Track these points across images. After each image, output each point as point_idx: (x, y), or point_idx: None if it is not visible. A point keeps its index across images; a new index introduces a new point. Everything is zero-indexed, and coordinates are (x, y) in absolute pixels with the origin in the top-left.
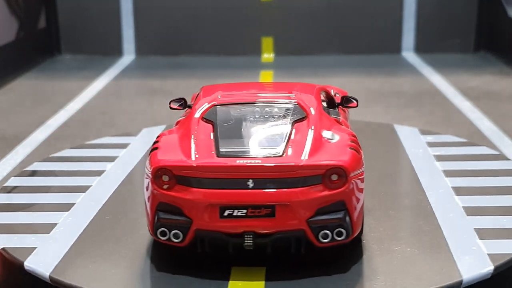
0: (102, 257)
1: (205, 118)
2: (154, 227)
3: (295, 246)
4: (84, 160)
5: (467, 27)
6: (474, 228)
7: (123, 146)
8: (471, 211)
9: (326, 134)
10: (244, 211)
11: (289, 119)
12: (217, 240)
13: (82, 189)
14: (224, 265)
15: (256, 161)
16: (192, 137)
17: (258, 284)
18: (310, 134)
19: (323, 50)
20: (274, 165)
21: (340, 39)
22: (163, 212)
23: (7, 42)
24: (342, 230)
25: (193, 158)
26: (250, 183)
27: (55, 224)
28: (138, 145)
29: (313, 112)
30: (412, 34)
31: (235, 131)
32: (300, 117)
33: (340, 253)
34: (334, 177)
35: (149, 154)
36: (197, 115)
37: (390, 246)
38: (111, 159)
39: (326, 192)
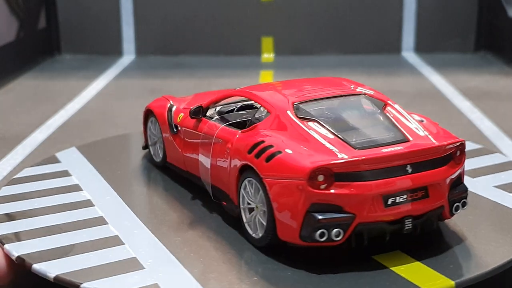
0: (240, 274)
1: (300, 117)
2: (307, 230)
3: (436, 222)
4: (47, 194)
5: (467, 27)
6: (493, 186)
7: (63, 174)
8: (472, 174)
9: (416, 117)
10: (405, 196)
11: (375, 108)
12: (377, 231)
13: (96, 221)
14: (359, 256)
15: (399, 147)
16: (313, 135)
17: (417, 264)
18: (410, 118)
19: (323, 50)
20: (428, 148)
21: (340, 39)
22: (320, 213)
23: (7, 42)
24: (466, 200)
25: (338, 154)
26: (409, 168)
27: (133, 258)
28: (80, 170)
29: (388, 100)
30: (412, 34)
31: (343, 125)
32: (382, 105)
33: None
34: (458, 153)
35: (268, 160)
36: (293, 114)
37: (467, 219)
38: (74, 188)
39: (456, 168)
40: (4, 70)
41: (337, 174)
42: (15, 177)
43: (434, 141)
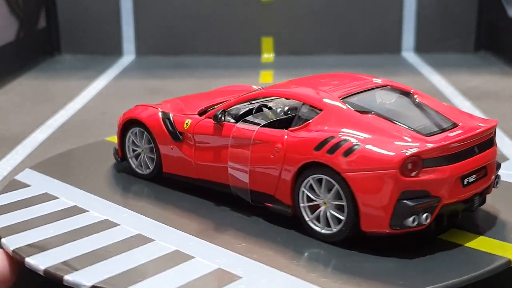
0: (337, 269)
1: (356, 110)
2: (398, 218)
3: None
4: (53, 220)
5: (467, 27)
6: None
7: (47, 197)
8: None
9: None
10: (474, 176)
11: (408, 97)
12: (453, 211)
13: (140, 240)
14: (423, 237)
15: (459, 131)
16: (380, 126)
17: (482, 238)
18: (442, 103)
19: (323, 50)
20: (485, 130)
21: (340, 39)
22: (411, 200)
23: (7, 42)
24: (499, 175)
25: (423, 142)
26: (476, 149)
27: (219, 269)
28: (63, 191)
29: (412, 89)
30: (412, 34)
31: (396, 114)
32: (410, 94)
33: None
34: (494, 134)
35: (346, 154)
36: (348, 108)
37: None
38: (76, 210)
39: (496, 147)
40: (4, 70)
41: (427, 161)
42: None
43: (480, 123)
